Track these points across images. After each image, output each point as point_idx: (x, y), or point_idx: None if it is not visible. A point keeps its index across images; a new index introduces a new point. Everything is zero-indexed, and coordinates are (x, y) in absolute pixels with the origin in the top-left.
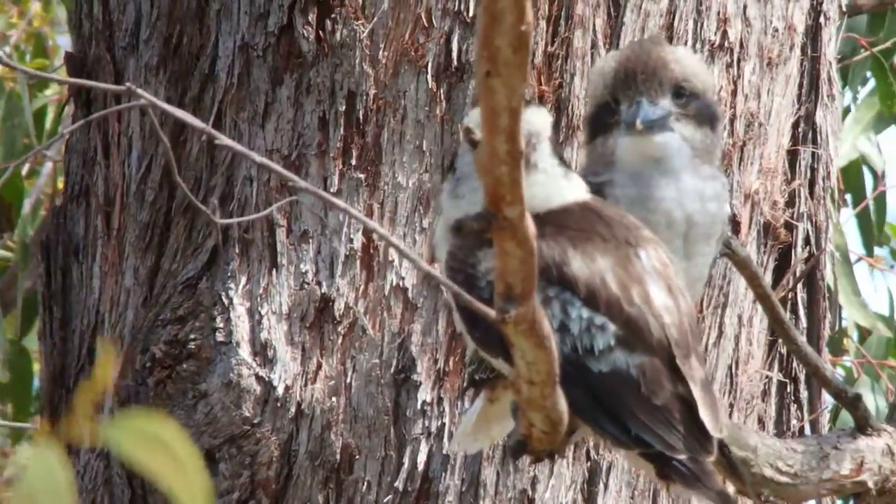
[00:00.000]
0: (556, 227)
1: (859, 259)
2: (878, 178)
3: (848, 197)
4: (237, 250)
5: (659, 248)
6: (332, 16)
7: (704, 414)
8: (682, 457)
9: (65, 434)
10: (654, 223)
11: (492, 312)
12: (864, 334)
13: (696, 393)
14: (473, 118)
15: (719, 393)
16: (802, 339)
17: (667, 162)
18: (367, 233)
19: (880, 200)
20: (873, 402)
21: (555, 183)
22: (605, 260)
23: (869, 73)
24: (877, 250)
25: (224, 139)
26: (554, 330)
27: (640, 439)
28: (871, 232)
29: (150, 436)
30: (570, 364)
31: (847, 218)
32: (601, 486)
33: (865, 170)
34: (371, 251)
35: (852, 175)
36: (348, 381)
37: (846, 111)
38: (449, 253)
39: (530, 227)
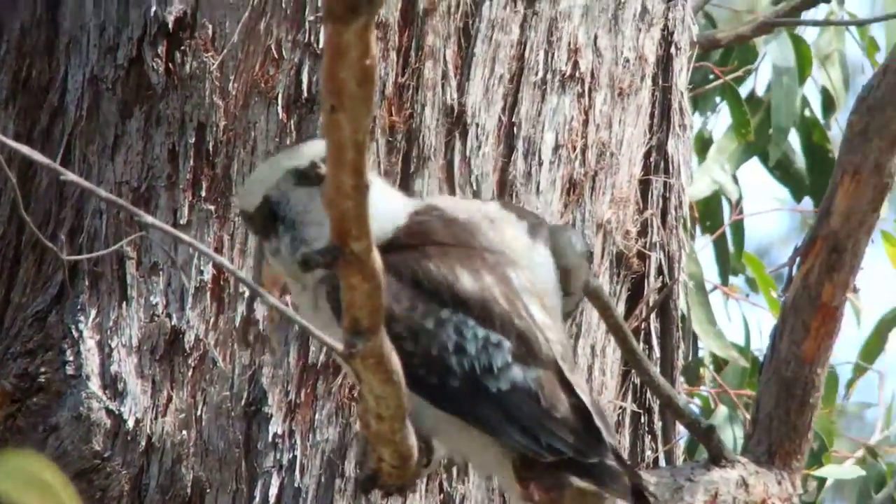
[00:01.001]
0: (439, 241)
1: (714, 288)
2: (733, 207)
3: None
4: (87, 283)
5: (522, 269)
6: (182, 48)
7: (599, 422)
8: (594, 460)
9: None
10: None
11: (339, 346)
12: (721, 364)
13: (588, 402)
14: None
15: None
16: (655, 369)
17: None
18: (217, 265)
19: (736, 230)
20: (731, 433)
21: (391, 196)
22: (489, 277)
23: (718, 99)
24: (733, 279)
25: (70, 175)
26: (450, 353)
27: (552, 448)
28: (728, 261)
29: (30, 476)
30: (471, 384)
31: (703, 246)
32: None
33: (724, 199)
34: (221, 283)
35: (711, 206)
36: (199, 413)
37: (700, 140)
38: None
39: (377, 261)
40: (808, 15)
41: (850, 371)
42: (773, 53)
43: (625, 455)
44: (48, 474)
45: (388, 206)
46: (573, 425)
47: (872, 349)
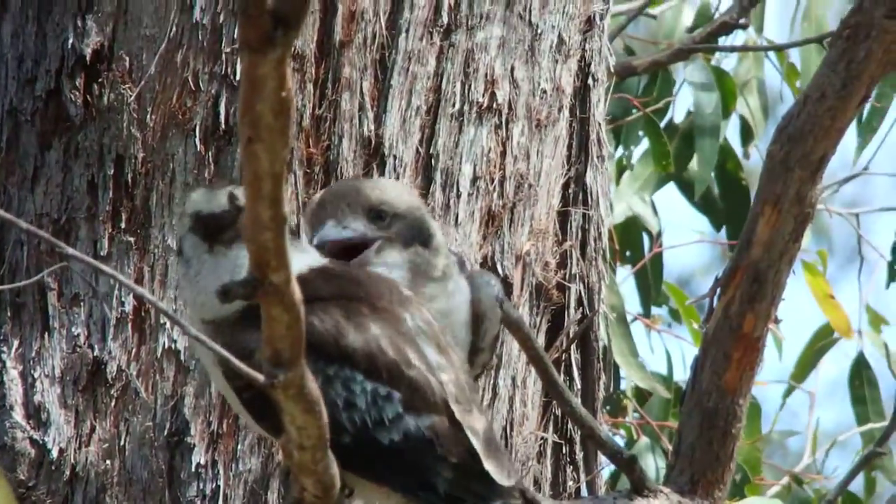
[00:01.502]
0: (321, 297)
1: (635, 319)
2: (654, 238)
3: (627, 254)
4: (9, 314)
5: (421, 308)
6: (100, 80)
7: (489, 465)
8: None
9: None
10: None
11: (260, 377)
12: (645, 396)
13: (478, 446)
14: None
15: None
16: (577, 400)
17: None
18: (138, 296)
19: (656, 261)
20: (653, 463)
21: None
22: (376, 326)
23: (641, 133)
24: (656, 310)
25: None
26: (340, 409)
27: (452, 498)
28: (649, 292)
29: None
30: (364, 438)
31: (625, 278)
32: None
33: (644, 231)
34: (143, 314)
35: (631, 234)
36: (122, 443)
37: (620, 170)
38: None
39: (296, 292)
40: (724, 41)
41: (780, 397)
42: (695, 86)
43: (540, 487)
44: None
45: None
46: (472, 470)
47: (803, 370)
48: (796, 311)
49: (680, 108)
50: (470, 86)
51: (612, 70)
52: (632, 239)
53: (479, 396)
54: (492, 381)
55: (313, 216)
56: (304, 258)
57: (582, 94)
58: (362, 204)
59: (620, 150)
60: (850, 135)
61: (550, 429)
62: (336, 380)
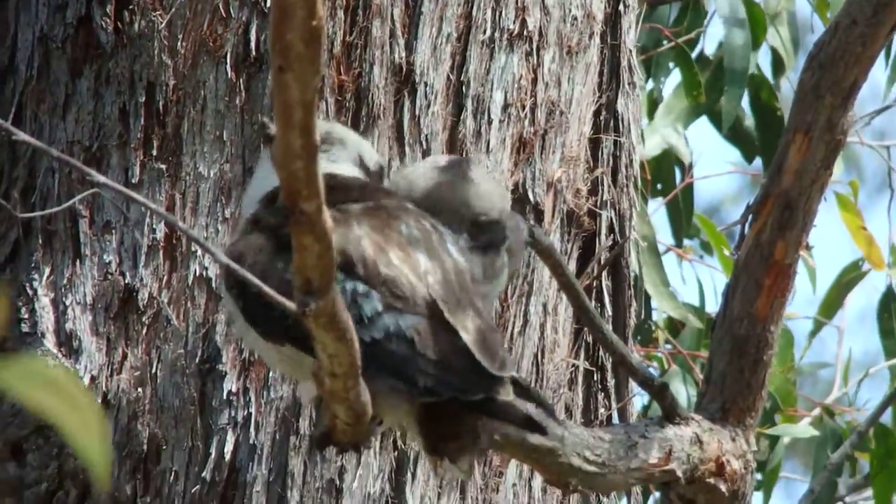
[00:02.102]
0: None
1: (668, 250)
2: (685, 170)
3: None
4: (40, 241)
5: (421, 218)
6: (131, 7)
7: (481, 358)
8: (477, 397)
9: None
10: None
11: (292, 305)
12: (676, 326)
13: (468, 339)
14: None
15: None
16: (608, 327)
17: None
18: (170, 223)
19: (688, 192)
20: (685, 393)
21: None
22: (361, 227)
23: (672, 64)
24: (687, 242)
25: (22, 135)
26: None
27: (430, 390)
28: (681, 222)
29: (45, 378)
30: None
31: (656, 209)
32: (409, 475)
33: (675, 162)
34: (174, 241)
35: (664, 167)
36: (154, 371)
37: (652, 103)
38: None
39: (328, 221)
40: None
41: (810, 328)
42: (725, 18)
43: (572, 414)
44: (64, 378)
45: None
46: (454, 365)
47: (832, 305)
48: (827, 241)
49: (711, 40)
50: (501, 12)
51: None
52: (664, 172)
53: (479, 300)
54: (523, 308)
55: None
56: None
57: (613, 20)
58: (468, 218)
59: (651, 84)
60: (880, 66)
61: (582, 356)
62: None
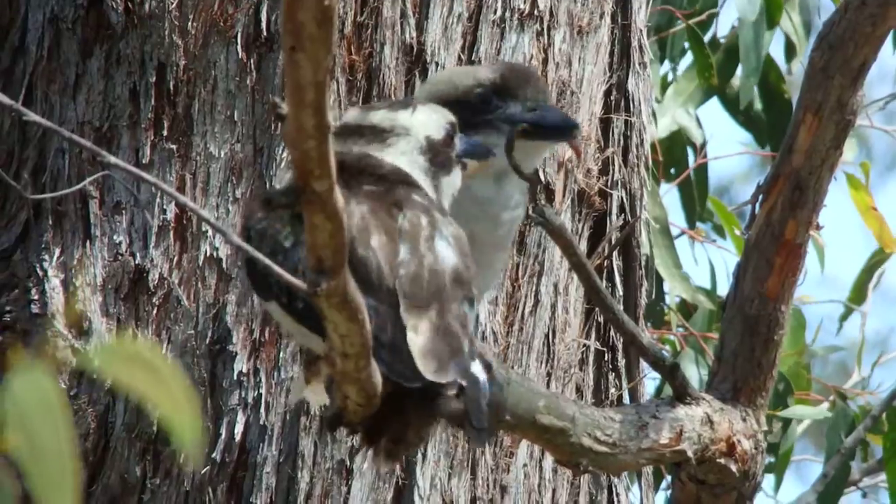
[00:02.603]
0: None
1: (682, 233)
2: (697, 151)
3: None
4: (51, 222)
5: (423, 214)
6: None
7: (418, 360)
8: (416, 385)
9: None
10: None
11: (303, 285)
12: (689, 308)
13: (413, 339)
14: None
15: (526, 364)
16: (619, 307)
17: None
18: (180, 204)
19: (701, 174)
20: (696, 374)
21: None
22: (359, 206)
23: (686, 44)
24: (700, 225)
25: (32, 115)
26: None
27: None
28: (693, 204)
29: (139, 360)
30: (308, 301)
31: (667, 190)
32: (419, 455)
33: (687, 143)
34: (184, 222)
35: (676, 148)
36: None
37: (665, 83)
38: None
39: (339, 200)
40: None
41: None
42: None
43: (583, 394)
44: (157, 359)
45: None
46: (403, 352)
47: (860, 292)
48: (838, 221)
49: (724, 22)
50: None
51: None
52: (676, 153)
53: (456, 306)
54: (534, 289)
55: (507, 84)
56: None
57: (623, 0)
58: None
59: (666, 65)
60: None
61: (593, 336)
62: (284, 235)
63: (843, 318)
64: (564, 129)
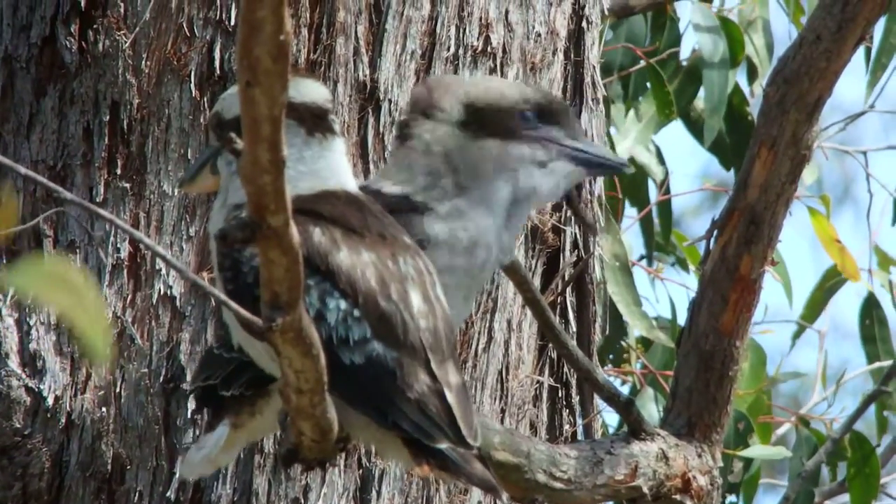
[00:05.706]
0: (329, 216)
1: (641, 258)
2: (659, 186)
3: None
4: (4, 261)
5: (417, 257)
6: (95, 26)
7: (459, 419)
8: (443, 445)
9: None
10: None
11: (258, 321)
12: (649, 346)
13: (451, 398)
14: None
15: (480, 400)
16: (573, 343)
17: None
18: (134, 242)
19: (664, 209)
20: (656, 413)
21: (336, 166)
22: (369, 254)
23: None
24: (663, 257)
25: None
26: (311, 318)
27: (396, 426)
28: (653, 239)
29: (56, 276)
30: (327, 354)
31: (629, 225)
32: (374, 493)
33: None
34: (138, 260)
35: (636, 182)
36: (118, 390)
37: (627, 115)
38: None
39: (295, 235)
40: None
41: (787, 342)
42: (701, 31)
43: (537, 431)
44: (74, 276)
45: (319, 170)
46: (430, 409)
47: (814, 310)
48: (798, 252)
49: (685, 46)
50: (465, 29)
51: (607, 12)
52: (636, 187)
53: (457, 355)
54: (487, 325)
55: (551, 108)
56: (342, 177)
57: (576, 36)
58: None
59: (621, 104)
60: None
61: (546, 372)
62: (314, 290)
63: (796, 335)
64: (614, 164)
